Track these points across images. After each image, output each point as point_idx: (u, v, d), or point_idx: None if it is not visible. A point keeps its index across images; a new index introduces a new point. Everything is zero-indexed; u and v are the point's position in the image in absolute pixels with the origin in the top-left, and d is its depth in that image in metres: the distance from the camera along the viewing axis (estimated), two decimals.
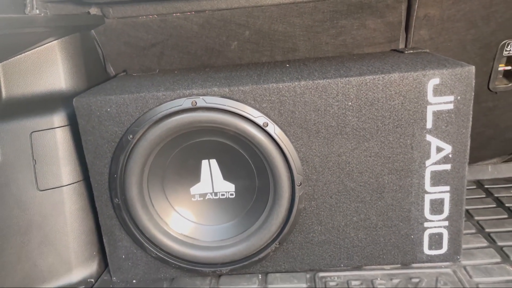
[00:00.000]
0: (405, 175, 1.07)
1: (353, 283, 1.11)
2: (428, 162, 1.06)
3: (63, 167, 1.15)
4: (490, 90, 1.45)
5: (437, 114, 1.02)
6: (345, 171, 1.08)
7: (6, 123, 1.13)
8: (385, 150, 1.05)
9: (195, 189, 1.18)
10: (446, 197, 1.08)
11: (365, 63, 1.14)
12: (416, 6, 1.27)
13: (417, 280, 1.09)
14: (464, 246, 1.16)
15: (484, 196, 1.52)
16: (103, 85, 1.21)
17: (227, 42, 1.36)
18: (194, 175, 1.17)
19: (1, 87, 1.17)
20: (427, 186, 1.08)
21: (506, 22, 1.33)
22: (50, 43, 1.18)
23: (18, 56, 1.17)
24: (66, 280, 1.19)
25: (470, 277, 1.09)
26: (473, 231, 1.30)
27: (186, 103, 1.03)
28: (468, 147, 1.04)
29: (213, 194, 1.18)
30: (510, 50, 1.39)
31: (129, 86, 1.13)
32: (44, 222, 1.16)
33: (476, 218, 1.38)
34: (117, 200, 1.11)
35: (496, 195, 1.52)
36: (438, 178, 1.07)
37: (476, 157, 1.65)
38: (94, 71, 1.33)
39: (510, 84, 1.44)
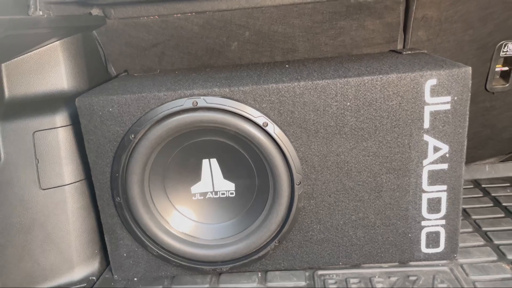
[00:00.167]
0: (402, 174, 1.08)
1: (352, 281, 1.12)
2: (425, 162, 1.07)
3: (65, 166, 1.16)
4: (487, 91, 1.46)
5: (434, 114, 1.03)
6: (343, 171, 1.08)
7: (9, 122, 1.14)
8: (383, 149, 1.06)
9: (196, 188, 1.19)
10: (443, 196, 1.09)
11: (364, 64, 1.14)
12: (414, 7, 1.28)
13: (414, 278, 1.10)
14: (461, 244, 1.17)
15: (481, 195, 1.53)
16: (104, 85, 1.21)
17: (227, 43, 1.37)
18: (195, 174, 1.17)
19: (4, 87, 1.18)
20: (425, 185, 1.09)
21: (503, 23, 1.33)
22: (53, 43, 1.19)
23: (20, 57, 1.17)
24: (68, 278, 1.19)
25: (467, 275, 1.10)
26: (470, 229, 1.31)
27: (187, 103, 1.04)
28: (465, 147, 1.05)
29: (213, 193, 1.19)
30: (507, 51, 1.40)
31: (131, 86, 1.14)
32: (46, 221, 1.17)
33: (473, 217, 1.39)
34: (118, 199, 1.12)
35: (493, 194, 1.53)
36: (435, 177, 1.08)
37: (473, 156, 1.66)
38: (95, 71, 1.34)
39: (507, 85, 1.45)
